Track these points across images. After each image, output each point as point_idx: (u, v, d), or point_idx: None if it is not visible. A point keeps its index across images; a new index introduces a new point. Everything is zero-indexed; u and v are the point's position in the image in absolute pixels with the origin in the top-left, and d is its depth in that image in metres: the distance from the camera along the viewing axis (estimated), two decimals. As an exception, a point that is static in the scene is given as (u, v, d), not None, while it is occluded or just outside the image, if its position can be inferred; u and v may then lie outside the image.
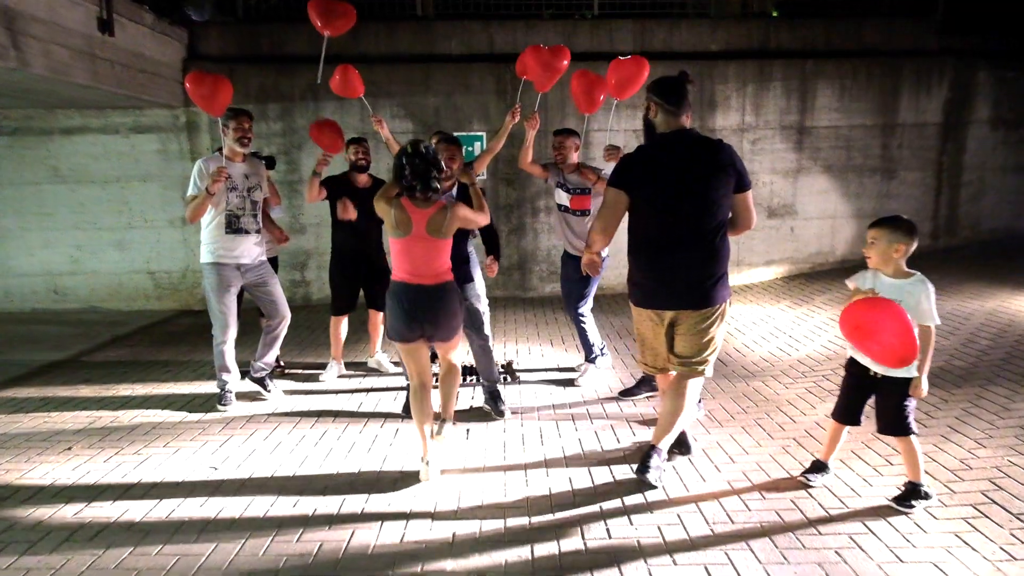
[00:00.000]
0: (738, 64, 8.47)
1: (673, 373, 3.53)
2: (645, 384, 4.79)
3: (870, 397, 3.27)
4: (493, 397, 4.60)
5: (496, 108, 8.39)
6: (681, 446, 3.75)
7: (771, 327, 6.53)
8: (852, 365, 3.29)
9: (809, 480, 3.41)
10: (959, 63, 8.83)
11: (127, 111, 8.27)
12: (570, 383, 5.20)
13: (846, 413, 3.34)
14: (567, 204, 4.96)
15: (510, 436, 4.22)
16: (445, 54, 8.54)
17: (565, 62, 4.84)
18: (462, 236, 4.27)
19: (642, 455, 3.47)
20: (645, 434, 4.16)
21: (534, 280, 8.70)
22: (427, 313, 3.56)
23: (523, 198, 8.57)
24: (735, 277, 8.73)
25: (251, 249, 4.78)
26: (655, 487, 3.41)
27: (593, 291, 5.07)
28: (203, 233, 4.74)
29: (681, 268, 3.23)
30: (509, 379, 5.41)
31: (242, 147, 4.69)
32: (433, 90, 8.37)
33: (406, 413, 4.62)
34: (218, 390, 4.91)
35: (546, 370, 5.57)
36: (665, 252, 3.23)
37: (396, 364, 5.65)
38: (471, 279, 4.51)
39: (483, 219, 3.77)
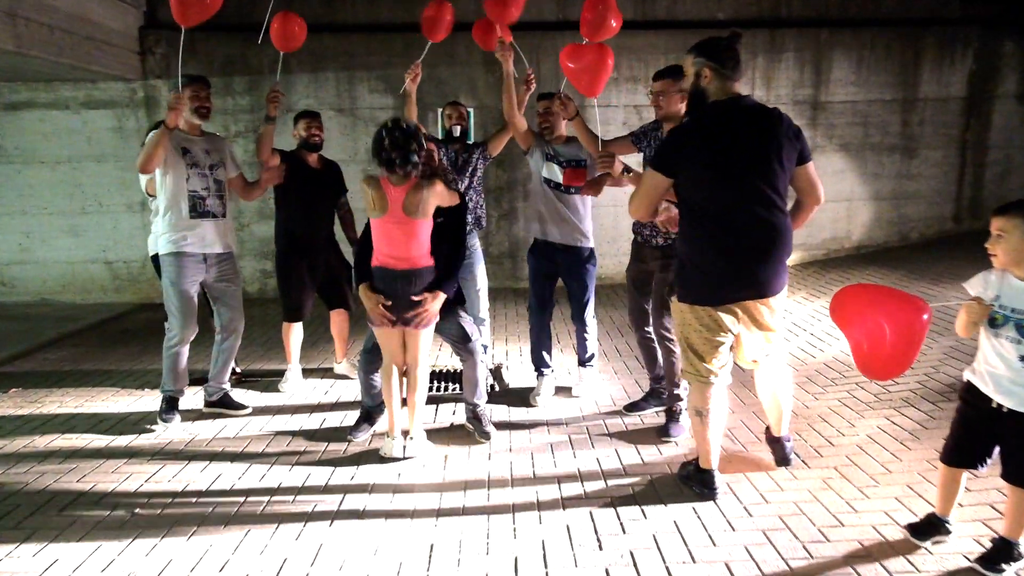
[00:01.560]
0: (747, 34, 7.71)
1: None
2: (654, 397, 4.14)
3: (991, 434, 2.51)
4: (476, 417, 3.95)
5: (484, 81, 7.68)
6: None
7: (788, 323, 5.88)
8: (969, 392, 2.56)
9: (920, 543, 2.68)
10: (984, 32, 8.14)
11: (78, 84, 7.51)
12: (567, 390, 4.56)
13: (960, 453, 2.61)
14: (559, 180, 4.20)
15: (496, 466, 3.57)
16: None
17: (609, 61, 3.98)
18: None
19: (780, 456, 3.34)
20: (655, 463, 3.52)
21: (525, 269, 7.97)
22: (401, 300, 3.48)
23: (514, 180, 7.89)
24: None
25: (220, 237, 4.12)
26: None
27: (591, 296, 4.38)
28: (159, 222, 4.07)
29: (754, 252, 2.86)
30: (496, 387, 4.76)
31: (200, 118, 3.99)
32: (415, 61, 7.63)
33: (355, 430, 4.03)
34: (162, 402, 4.23)
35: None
36: (737, 236, 2.85)
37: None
38: (460, 299, 3.91)
39: (456, 200, 3.61)
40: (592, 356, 4.53)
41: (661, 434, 3.81)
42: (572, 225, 4.22)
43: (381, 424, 4.02)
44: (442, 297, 3.55)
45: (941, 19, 8.11)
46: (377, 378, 3.97)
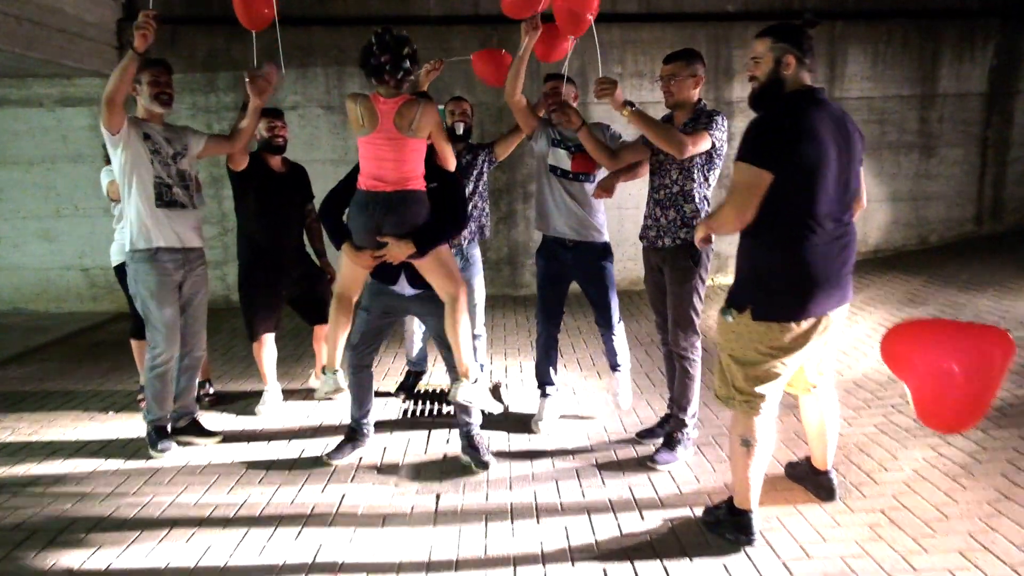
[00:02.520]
0: (758, 27, 7.27)
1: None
2: (670, 422, 3.73)
3: None
4: (471, 443, 3.55)
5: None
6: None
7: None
8: None
9: None
10: (1005, 25, 7.75)
11: (53, 80, 7.10)
12: (576, 414, 4.16)
13: None
14: (567, 167, 3.76)
15: (493, 504, 3.16)
16: (422, 15, 7.43)
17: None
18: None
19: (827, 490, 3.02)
20: (674, 502, 3.11)
21: (526, 276, 7.62)
22: (384, 225, 3.14)
23: (513, 182, 7.48)
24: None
25: (194, 229, 3.72)
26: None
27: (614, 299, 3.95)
28: (124, 223, 3.67)
29: (842, 256, 2.61)
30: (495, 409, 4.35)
31: (161, 106, 3.58)
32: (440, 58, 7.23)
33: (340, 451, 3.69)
34: (149, 431, 3.80)
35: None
36: (834, 241, 2.57)
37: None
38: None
39: (451, 157, 3.32)
40: (621, 363, 4.11)
41: (651, 460, 3.43)
42: (582, 218, 3.78)
43: (358, 450, 3.60)
44: (408, 248, 3.15)
45: (960, 11, 7.72)
46: (368, 378, 3.63)
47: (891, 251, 7.96)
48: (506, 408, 4.36)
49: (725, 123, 3.23)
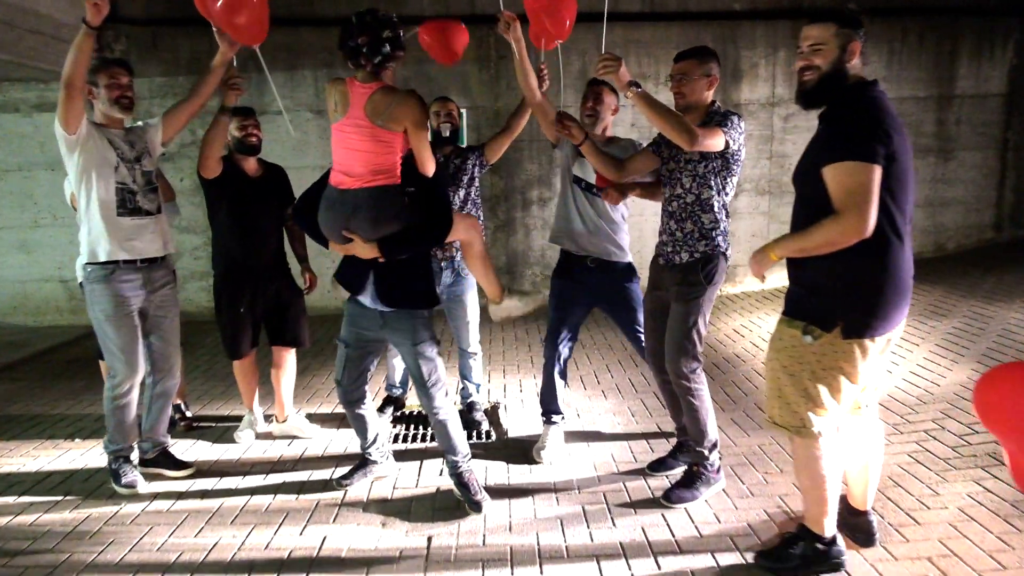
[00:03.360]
0: (767, 25, 7.09)
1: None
2: (684, 453, 3.39)
3: None
4: (461, 481, 3.19)
5: (478, 79, 6.96)
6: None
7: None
8: None
9: None
10: (1025, 24, 7.47)
11: (28, 85, 6.79)
12: (581, 434, 3.83)
13: None
14: (591, 179, 3.46)
15: (491, 548, 2.82)
16: (416, 15, 7.09)
17: None
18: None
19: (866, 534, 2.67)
20: (694, 547, 2.78)
21: (525, 285, 7.30)
22: (351, 224, 2.85)
23: (511, 188, 7.17)
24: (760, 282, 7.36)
25: (159, 237, 3.37)
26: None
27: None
28: (82, 229, 3.28)
29: (910, 262, 2.36)
30: (493, 435, 4.02)
31: (122, 111, 3.23)
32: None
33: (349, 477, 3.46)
34: (110, 463, 3.46)
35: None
36: (906, 246, 2.32)
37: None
38: (424, 301, 3.09)
39: (429, 161, 2.86)
40: None
41: (665, 498, 3.08)
42: (605, 235, 3.47)
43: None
44: (368, 249, 2.86)
45: (979, 8, 7.41)
46: (364, 410, 3.31)
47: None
48: (505, 433, 4.03)
49: (742, 124, 2.91)
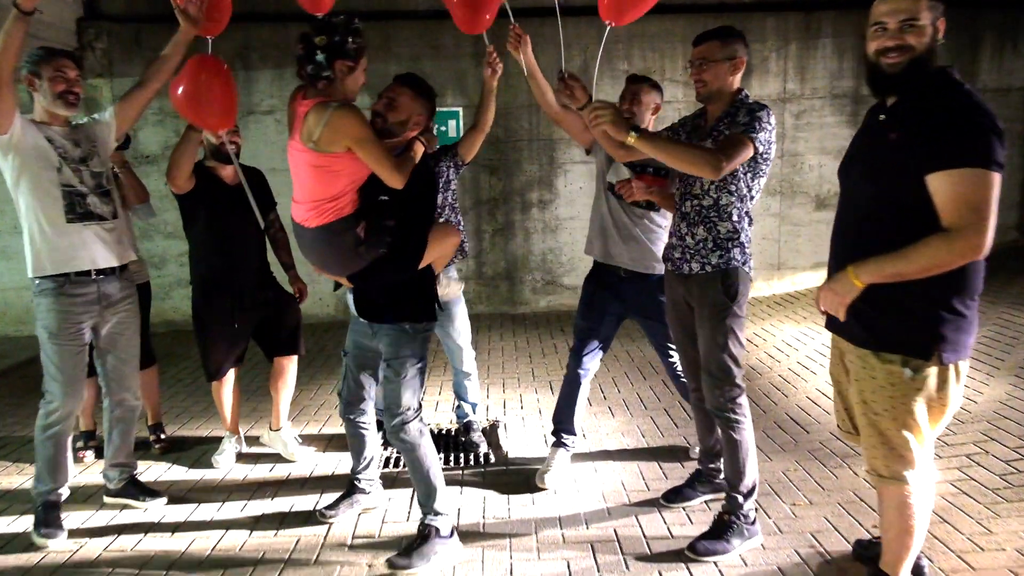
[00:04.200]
0: (778, 17, 6.78)
1: None
2: (704, 483, 3.07)
3: None
4: (421, 535, 2.74)
5: (475, 75, 6.66)
6: None
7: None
8: None
9: None
10: (1047, 15, 7.15)
11: (5, 85, 6.49)
12: (588, 456, 3.52)
13: None
14: None
15: (490, 598, 2.52)
16: (410, 10, 6.83)
17: None
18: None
19: None
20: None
21: (525, 292, 6.99)
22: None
23: (510, 190, 6.85)
24: (776, 284, 7.07)
25: (115, 244, 3.02)
26: None
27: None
28: (24, 238, 2.93)
29: None
30: (492, 457, 3.70)
31: (67, 107, 2.88)
32: (395, 54, 6.64)
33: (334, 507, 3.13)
34: (37, 510, 3.04)
35: (548, 437, 3.86)
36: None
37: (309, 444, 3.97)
38: (407, 313, 2.70)
39: (392, 175, 2.45)
40: None
41: (691, 549, 2.68)
42: (643, 247, 3.20)
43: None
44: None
45: (1000, 0, 7.10)
46: (365, 425, 3.01)
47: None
48: (504, 455, 3.71)
49: (772, 120, 2.53)
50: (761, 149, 2.51)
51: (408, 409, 2.67)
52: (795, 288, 7.13)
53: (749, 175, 2.58)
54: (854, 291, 1.96)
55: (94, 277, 2.97)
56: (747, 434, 2.69)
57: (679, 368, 3.23)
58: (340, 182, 2.44)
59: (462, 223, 3.69)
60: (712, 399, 2.68)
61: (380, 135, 2.52)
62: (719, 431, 2.84)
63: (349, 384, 2.96)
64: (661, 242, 3.18)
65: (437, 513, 2.74)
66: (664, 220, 3.21)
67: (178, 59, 3.01)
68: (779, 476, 3.28)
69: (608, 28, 2.86)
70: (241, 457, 3.78)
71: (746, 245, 2.65)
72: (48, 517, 3.03)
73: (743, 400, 2.68)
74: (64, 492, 3.11)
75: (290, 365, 3.82)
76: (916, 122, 1.91)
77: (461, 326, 3.69)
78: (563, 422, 3.44)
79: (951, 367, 2.00)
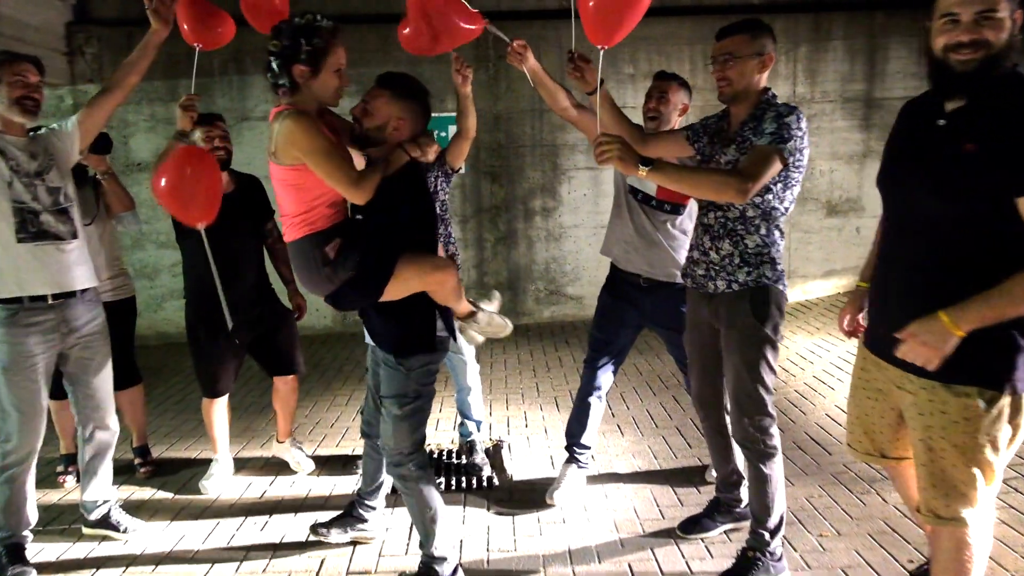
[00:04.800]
0: (787, 19, 6.59)
1: None
2: (723, 513, 2.85)
3: None
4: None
5: (478, 80, 6.44)
6: None
7: (847, 373, 4.61)
8: None
9: None
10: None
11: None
12: (598, 478, 3.31)
13: None
14: (651, 191, 3.01)
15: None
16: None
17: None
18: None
19: None
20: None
21: (528, 302, 6.79)
22: None
23: (512, 197, 6.66)
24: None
25: (74, 266, 2.76)
26: None
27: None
28: None
29: None
30: (495, 480, 3.50)
31: (24, 114, 2.65)
32: (393, 58, 6.38)
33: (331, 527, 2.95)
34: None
35: (555, 457, 3.66)
36: None
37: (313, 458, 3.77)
38: (385, 335, 2.46)
39: (349, 191, 2.22)
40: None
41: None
42: (664, 252, 3.03)
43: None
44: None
45: None
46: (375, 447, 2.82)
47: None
48: (510, 478, 3.51)
49: (803, 123, 2.30)
50: (791, 160, 2.28)
51: (399, 452, 2.43)
52: (806, 297, 6.93)
53: (779, 185, 2.35)
54: (952, 342, 1.71)
55: (51, 302, 2.72)
56: (777, 467, 2.47)
57: None
58: (306, 196, 2.25)
59: (452, 236, 3.49)
60: (740, 430, 2.47)
61: (360, 142, 2.35)
62: (738, 459, 2.64)
63: (369, 403, 2.81)
64: (684, 249, 2.98)
65: (436, 558, 2.51)
66: (689, 224, 3.02)
67: (147, 63, 2.79)
68: (803, 503, 3.07)
69: (602, 52, 2.61)
70: (233, 478, 3.58)
71: (777, 261, 2.43)
72: (13, 558, 2.78)
73: (774, 430, 2.46)
74: (28, 536, 2.86)
75: (285, 386, 3.66)
76: (1000, 133, 1.67)
77: (462, 338, 3.51)
78: (575, 436, 3.28)
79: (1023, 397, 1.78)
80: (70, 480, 3.64)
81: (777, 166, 2.23)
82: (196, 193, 2.83)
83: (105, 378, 2.98)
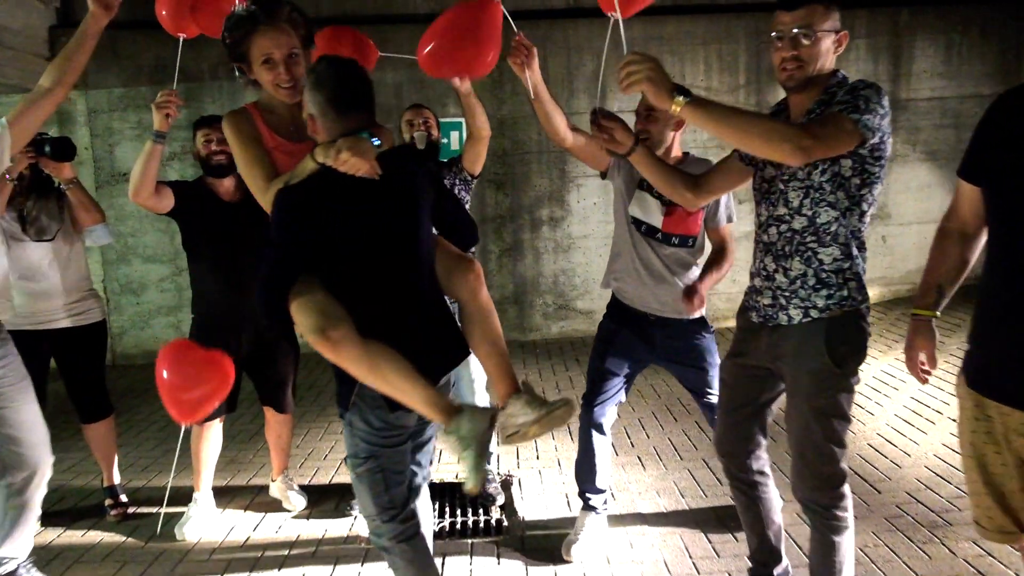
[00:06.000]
0: (806, 17, 6.25)
1: None
2: (770, 562, 2.47)
3: None
4: None
5: (478, 83, 6.12)
6: None
7: (887, 395, 4.25)
8: None
9: None
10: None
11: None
12: (620, 520, 2.94)
13: None
14: (656, 223, 2.65)
15: None
16: (409, 13, 6.36)
17: None
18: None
19: None
20: None
21: (536, 317, 6.43)
22: None
23: (518, 207, 6.31)
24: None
25: None
26: None
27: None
28: None
29: None
30: (504, 521, 3.14)
31: None
32: (392, 62, 6.08)
33: None
34: None
35: (570, 495, 3.29)
36: None
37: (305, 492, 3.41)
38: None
39: (263, 202, 2.03)
40: None
41: None
42: (675, 290, 2.67)
43: None
44: None
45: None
46: None
47: (973, 279, 6.74)
48: (521, 520, 3.15)
49: (885, 103, 1.85)
50: (870, 138, 1.83)
51: (367, 517, 2.02)
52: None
53: (856, 179, 1.91)
54: None
55: None
56: (849, 534, 2.08)
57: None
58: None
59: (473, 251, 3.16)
60: (806, 491, 2.07)
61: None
62: (770, 525, 2.26)
63: None
64: (693, 281, 2.68)
65: None
66: (700, 255, 2.71)
67: (86, 55, 2.42)
68: (856, 554, 2.68)
69: (612, 20, 2.27)
70: (216, 517, 3.22)
71: (862, 278, 2.00)
72: None
73: (846, 490, 2.06)
74: None
75: (275, 419, 3.33)
76: None
77: (475, 363, 3.16)
78: (586, 482, 2.91)
79: None
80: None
81: (849, 138, 1.80)
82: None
83: (27, 416, 2.50)
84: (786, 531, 2.24)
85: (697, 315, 2.71)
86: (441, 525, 3.11)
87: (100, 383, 3.36)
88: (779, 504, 2.36)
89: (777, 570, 2.35)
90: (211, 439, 3.20)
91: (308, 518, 3.27)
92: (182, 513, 3.22)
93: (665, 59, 6.20)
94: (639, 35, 6.05)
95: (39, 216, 3.15)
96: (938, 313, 1.93)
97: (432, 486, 3.46)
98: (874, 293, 6.57)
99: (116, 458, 3.48)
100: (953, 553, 2.66)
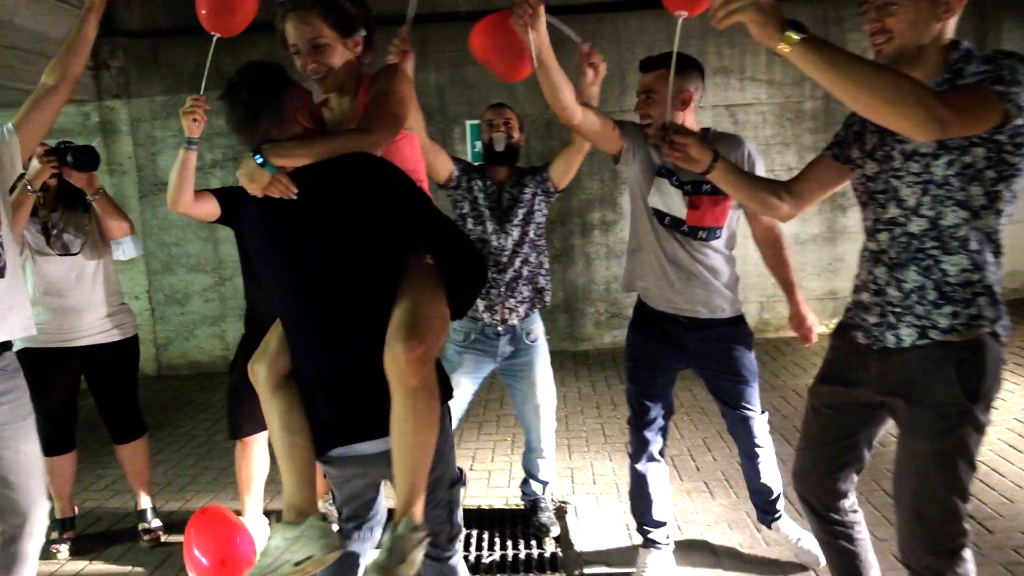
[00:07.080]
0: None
1: None
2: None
3: None
4: None
5: (524, 83, 5.86)
6: None
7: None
8: None
9: None
10: None
11: (4, 110, 5.97)
12: (687, 556, 2.64)
13: None
14: (680, 214, 2.32)
15: None
16: (451, 12, 6.12)
17: None
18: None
19: None
20: None
21: (588, 326, 6.14)
22: None
23: (568, 210, 6.04)
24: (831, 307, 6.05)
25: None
26: None
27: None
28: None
29: None
30: (559, 552, 2.86)
31: None
32: (434, 61, 5.94)
33: None
34: None
35: (631, 524, 3.00)
36: None
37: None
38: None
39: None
40: (776, 499, 2.67)
41: None
42: (707, 286, 2.38)
43: None
44: None
45: None
46: None
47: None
48: (578, 555, 2.86)
49: None
50: (1015, 117, 1.46)
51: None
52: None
53: (991, 172, 1.56)
54: None
55: None
56: None
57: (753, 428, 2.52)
58: None
59: (546, 265, 2.92)
60: (922, 557, 1.70)
61: None
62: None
63: None
64: (725, 275, 2.39)
65: None
66: (725, 258, 2.41)
67: (86, 45, 2.29)
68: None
69: (680, 22, 1.99)
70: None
71: (996, 292, 1.63)
72: None
73: (968, 554, 1.69)
74: None
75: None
76: None
77: (542, 387, 2.92)
78: (643, 515, 2.62)
79: None
80: (63, 550, 3.13)
81: (991, 116, 1.46)
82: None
83: (24, 462, 2.23)
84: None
85: (735, 314, 2.43)
86: (492, 558, 2.85)
87: (132, 401, 3.20)
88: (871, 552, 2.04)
89: None
90: (256, 457, 2.97)
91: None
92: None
93: (723, 51, 5.89)
94: (696, 29, 5.71)
95: (65, 229, 2.99)
96: None
97: (480, 513, 3.22)
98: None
99: (149, 479, 3.30)
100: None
